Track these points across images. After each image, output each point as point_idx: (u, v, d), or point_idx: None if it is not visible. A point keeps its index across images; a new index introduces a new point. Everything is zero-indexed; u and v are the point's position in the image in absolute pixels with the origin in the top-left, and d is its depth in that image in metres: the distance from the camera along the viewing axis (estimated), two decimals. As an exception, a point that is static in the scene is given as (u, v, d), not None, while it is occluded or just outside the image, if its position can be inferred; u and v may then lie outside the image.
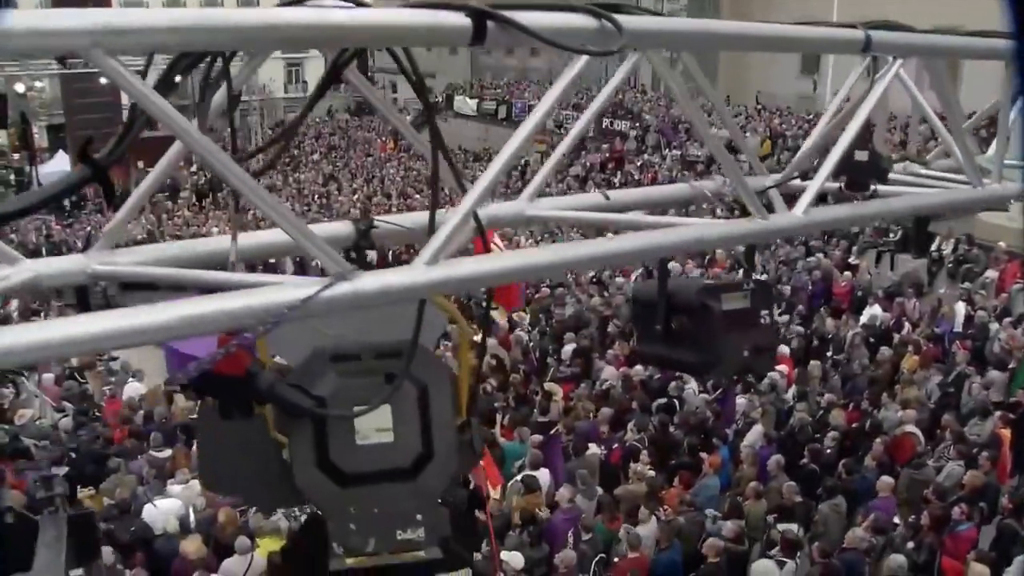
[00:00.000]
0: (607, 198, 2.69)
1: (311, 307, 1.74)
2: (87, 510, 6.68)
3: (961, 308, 13.61)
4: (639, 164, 25.13)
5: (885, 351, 12.50)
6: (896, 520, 8.90)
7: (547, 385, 11.76)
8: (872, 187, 2.77)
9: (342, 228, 2.34)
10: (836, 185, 2.80)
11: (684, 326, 2.60)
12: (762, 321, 2.67)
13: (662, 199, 3.09)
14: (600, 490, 9.39)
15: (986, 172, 2.91)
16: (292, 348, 2.04)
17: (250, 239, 2.26)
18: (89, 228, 25.78)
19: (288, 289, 1.76)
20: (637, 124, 27.68)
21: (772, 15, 34.31)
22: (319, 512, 1.99)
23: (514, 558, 7.80)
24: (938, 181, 3.07)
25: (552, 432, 10.14)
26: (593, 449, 10.14)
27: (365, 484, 1.95)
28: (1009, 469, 10.08)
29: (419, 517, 1.95)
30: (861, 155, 2.72)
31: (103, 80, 29.26)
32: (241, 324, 1.71)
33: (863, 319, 14.07)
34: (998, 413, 10.46)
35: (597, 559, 7.95)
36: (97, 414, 12.48)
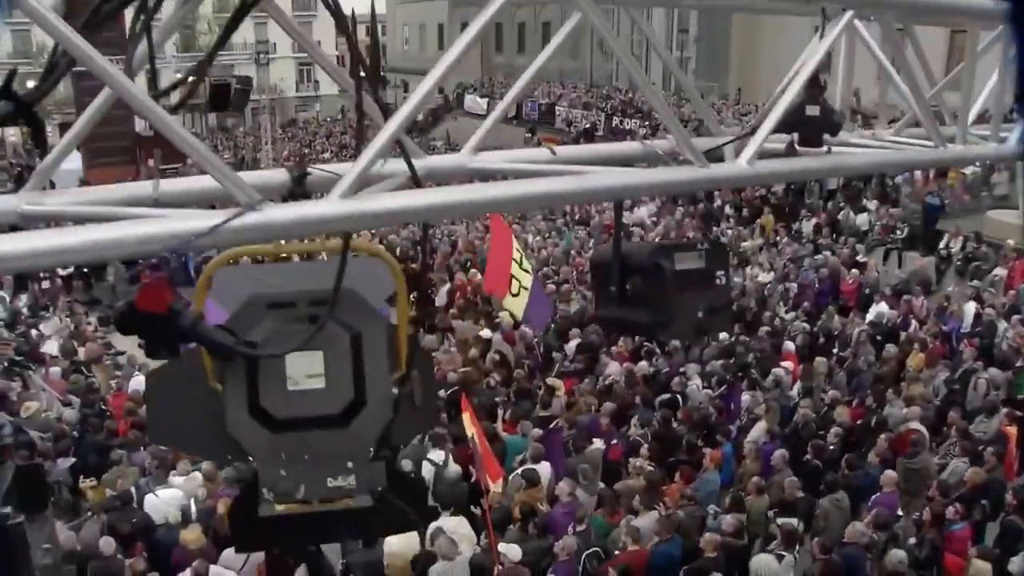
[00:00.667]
0: (554, 153, 2.65)
1: (219, 235, 1.73)
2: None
3: (971, 307, 13.50)
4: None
5: (891, 348, 12.41)
6: (900, 513, 8.85)
7: (549, 380, 11.74)
8: (826, 145, 2.72)
9: (276, 175, 2.32)
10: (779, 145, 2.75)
11: (638, 287, 2.56)
12: (717, 281, 2.61)
13: (612, 156, 3.01)
14: (602, 484, 9.35)
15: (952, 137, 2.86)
16: (233, 298, 2.03)
17: (176, 184, 2.25)
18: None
19: (198, 218, 1.75)
20: (647, 123, 27.65)
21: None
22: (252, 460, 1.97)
23: (511, 550, 7.78)
24: (902, 145, 3.02)
25: (552, 426, 10.11)
26: (597, 444, 10.09)
27: (295, 430, 1.93)
28: (1016, 468, 9.99)
29: (350, 465, 1.93)
30: (812, 110, 2.68)
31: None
32: (150, 249, 1.71)
33: (870, 317, 13.98)
34: (1004, 410, 10.37)
35: (589, 552, 7.88)
36: (103, 408, 12.54)
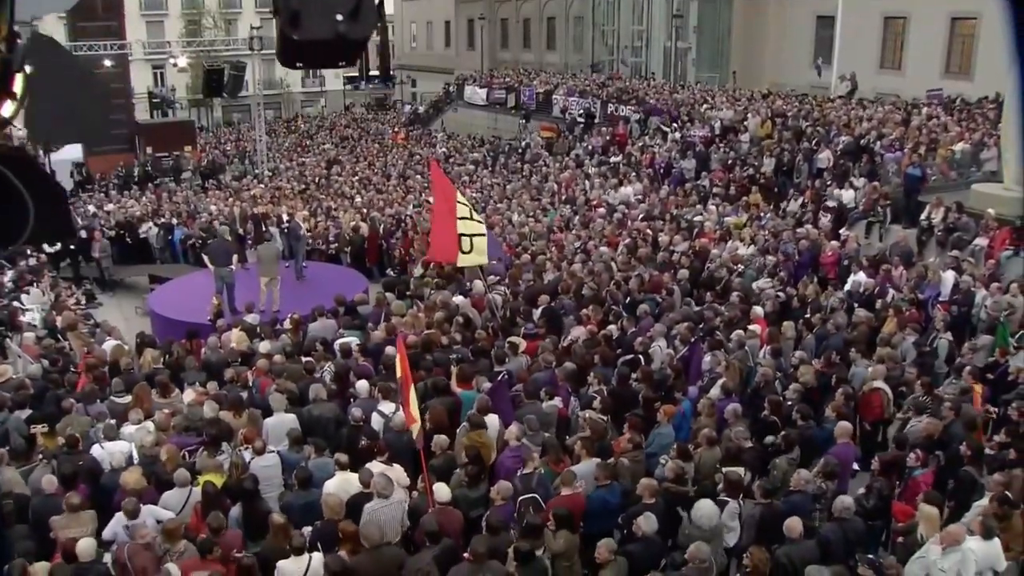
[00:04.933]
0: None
1: None
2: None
3: (950, 276, 13.29)
4: (640, 146, 24.96)
5: (861, 312, 12.23)
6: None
7: (511, 338, 11.65)
8: None
9: None
10: None
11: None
12: None
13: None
14: (546, 435, 9.23)
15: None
16: None
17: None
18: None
19: None
20: (640, 109, 27.55)
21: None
22: None
23: (440, 489, 7.74)
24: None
25: (499, 378, 10.01)
26: (554, 402, 9.97)
27: None
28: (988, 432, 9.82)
29: None
30: None
31: (107, 63, 29.35)
32: None
33: (847, 286, 13.80)
34: (968, 368, 10.20)
35: (525, 497, 7.77)
36: (73, 369, 12.62)
